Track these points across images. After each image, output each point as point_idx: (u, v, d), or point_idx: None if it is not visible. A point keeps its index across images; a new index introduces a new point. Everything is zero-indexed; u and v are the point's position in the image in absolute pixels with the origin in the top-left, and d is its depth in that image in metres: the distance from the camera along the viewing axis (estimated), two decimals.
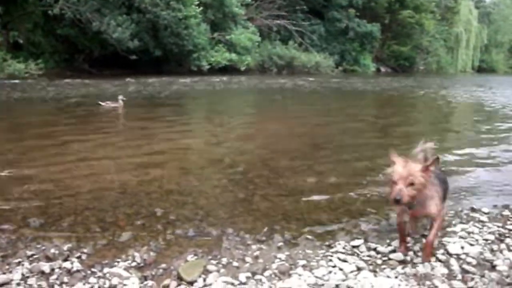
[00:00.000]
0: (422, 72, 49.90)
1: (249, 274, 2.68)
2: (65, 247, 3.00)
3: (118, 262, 2.82)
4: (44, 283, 2.56)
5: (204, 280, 2.61)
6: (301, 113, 11.46)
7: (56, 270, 2.69)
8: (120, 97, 11.26)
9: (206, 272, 2.70)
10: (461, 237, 3.23)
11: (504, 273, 2.71)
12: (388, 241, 3.15)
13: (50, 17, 24.09)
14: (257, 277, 2.65)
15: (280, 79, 27.09)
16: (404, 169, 2.52)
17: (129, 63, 27.07)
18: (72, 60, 27.25)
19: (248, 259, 2.90)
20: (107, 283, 2.57)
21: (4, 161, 5.52)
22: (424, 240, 3.00)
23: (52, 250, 2.94)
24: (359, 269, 2.74)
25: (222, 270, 2.74)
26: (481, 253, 2.96)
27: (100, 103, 11.26)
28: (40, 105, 12.33)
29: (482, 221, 3.60)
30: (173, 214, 3.68)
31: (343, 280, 2.60)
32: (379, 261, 2.85)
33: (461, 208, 3.92)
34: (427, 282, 2.60)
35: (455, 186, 4.44)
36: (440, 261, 2.85)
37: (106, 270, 2.71)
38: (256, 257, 2.92)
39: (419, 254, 2.92)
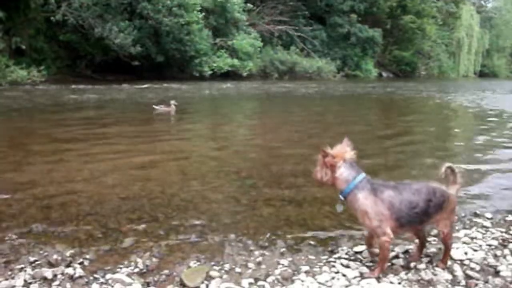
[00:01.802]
0: (424, 77, 49.93)
1: (251, 280, 2.67)
2: (68, 253, 2.99)
3: (120, 268, 2.82)
4: None
5: (207, 286, 2.60)
6: (305, 118, 11.46)
7: (59, 276, 2.68)
8: (172, 101, 11.71)
9: (209, 278, 2.69)
10: (464, 242, 3.22)
11: (507, 278, 2.70)
12: (391, 246, 3.14)
13: (53, 23, 24.19)
14: (260, 283, 2.64)
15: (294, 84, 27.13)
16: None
17: (131, 68, 27.15)
18: (74, 66, 27.34)
19: (250, 265, 2.89)
20: None
21: (7, 166, 5.54)
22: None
23: (55, 256, 2.93)
24: (362, 275, 2.73)
25: (224, 276, 2.73)
26: (485, 259, 2.95)
27: (155, 106, 11.69)
28: (43, 111, 12.35)
29: (485, 227, 3.59)
30: (175, 220, 3.68)
31: (346, 286, 2.60)
32: None
33: (464, 214, 3.91)
34: None
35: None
36: None
37: (108, 276, 2.70)
38: (259, 263, 2.91)
39: (423, 260, 2.90)
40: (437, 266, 2.81)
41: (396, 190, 2.67)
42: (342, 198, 2.73)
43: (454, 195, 2.76)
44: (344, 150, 2.73)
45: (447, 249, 2.83)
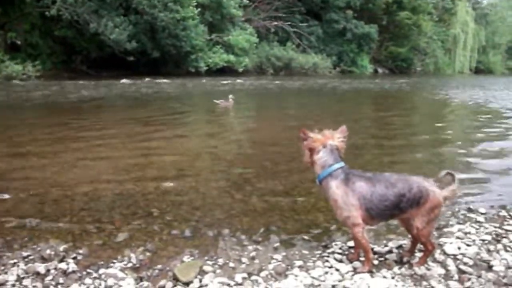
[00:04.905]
0: (420, 73, 50.01)
1: (245, 275, 2.67)
2: (61, 248, 2.98)
3: (114, 262, 2.81)
4: (39, 284, 2.55)
5: (200, 281, 2.60)
6: (301, 114, 11.45)
7: (52, 271, 2.67)
8: (231, 96, 12.32)
9: (202, 272, 2.69)
10: (458, 237, 3.23)
11: (500, 273, 2.71)
12: (384, 241, 3.15)
13: (48, 18, 24.11)
14: (253, 277, 2.64)
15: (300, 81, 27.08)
16: None
17: (127, 64, 27.09)
18: (70, 61, 27.30)
19: (244, 259, 2.89)
20: (103, 284, 2.56)
21: (1, 161, 5.51)
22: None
23: (48, 251, 2.92)
24: (355, 269, 2.73)
25: (218, 271, 2.73)
26: (478, 254, 2.96)
27: (216, 101, 12.34)
28: (39, 107, 12.30)
29: (479, 222, 3.60)
30: (169, 215, 3.67)
31: (340, 281, 2.60)
32: (375, 262, 2.84)
33: (458, 209, 3.92)
34: (424, 283, 2.59)
35: None
36: (437, 261, 2.84)
37: (101, 271, 2.69)
38: (253, 258, 2.91)
39: (417, 255, 2.91)
40: (414, 265, 2.78)
41: (370, 181, 2.66)
42: (318, 183, 2.76)
43: (437, 194, 2.63)
44: (330, 136, 2.73)
45: (426, 248, 2.77)
